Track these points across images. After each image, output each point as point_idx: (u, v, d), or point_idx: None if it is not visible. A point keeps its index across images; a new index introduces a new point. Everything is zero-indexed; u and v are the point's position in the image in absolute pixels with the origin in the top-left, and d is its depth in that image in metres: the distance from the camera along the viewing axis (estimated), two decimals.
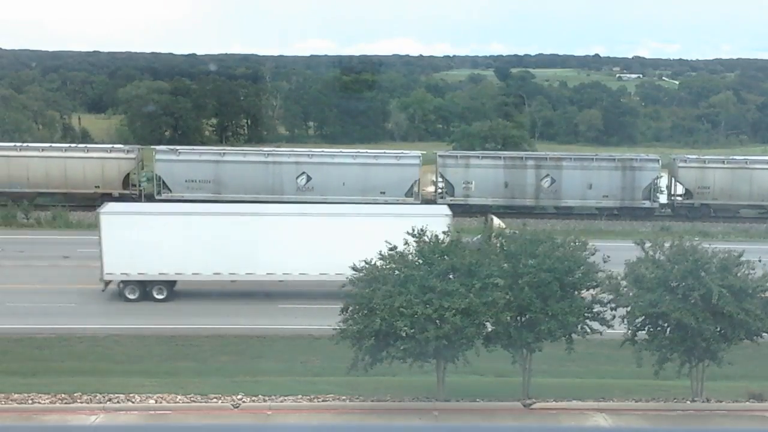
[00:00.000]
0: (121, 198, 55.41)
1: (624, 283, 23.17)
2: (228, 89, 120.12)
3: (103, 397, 23.34)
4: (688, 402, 23.89)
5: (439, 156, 58.50)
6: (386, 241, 23.19)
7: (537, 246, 22.97)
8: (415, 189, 55.82)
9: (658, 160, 58.22)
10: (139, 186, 57.96)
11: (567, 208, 57.35)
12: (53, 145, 63.28)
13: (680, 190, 59.00)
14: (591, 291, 23.39)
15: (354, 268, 23.02)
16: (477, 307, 21.68)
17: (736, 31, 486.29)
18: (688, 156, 61.17)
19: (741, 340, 22.94)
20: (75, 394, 23.48)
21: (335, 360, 24.60)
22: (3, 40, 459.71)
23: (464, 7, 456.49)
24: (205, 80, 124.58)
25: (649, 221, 54.84)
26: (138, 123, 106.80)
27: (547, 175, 56.64)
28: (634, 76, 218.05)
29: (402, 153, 59.08)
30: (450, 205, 43.32)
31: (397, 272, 22.53)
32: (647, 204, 56.85)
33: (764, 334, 23.07)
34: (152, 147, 61.52)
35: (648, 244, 23.80)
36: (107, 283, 35.50)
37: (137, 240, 34.82)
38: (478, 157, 58.56)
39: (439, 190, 57.76)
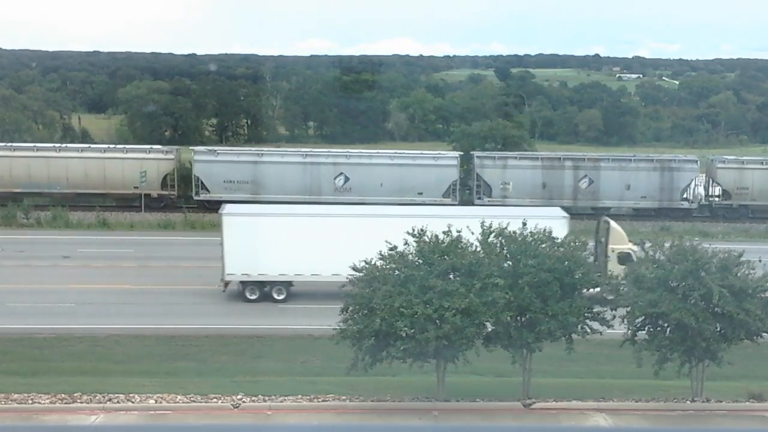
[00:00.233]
0: (159, 198, 55.76)
1: (624, 282, 23.18)
2: (228, 89, 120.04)
3: (103, 397, 23.32)
4: (688, 402, 23.88)
5: (477, 157, 57.93)
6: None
7: (537, 246, 22.97)
8: (453, 189, 55.66)
9: (696, 161, 57.94)
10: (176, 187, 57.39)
11: (605, 209, 55.96)
12: (92, 146, 63.56)
13: (718, 191, 58.33)
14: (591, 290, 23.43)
15: (354, 268, 23.00)
16: (477, 307, 21.67)
17: (736, 31, 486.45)
18: (726, 157, 60.76)
19: (741, 340, 22.95)
20: (75, 394, 23.46)
21: (335, 360, 24.57)
22: (3, 40, 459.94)
23: (464, 7, 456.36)
24: (205, 80, 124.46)
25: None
26: (138, 123, 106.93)
27: (585, 176, 56.44)
28: (634, 76, 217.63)
29: (440, 154, 59.18)
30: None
31: (397, 272, 22.51)
32: (685, 205, 56.58)
33: (764, 334, 23.09)
34: (190, 148, 61.71)
35: (648, 244, 23.83)
36: (227, 283, 35.81)
37: (259, 241, 35.05)
38: (516, 157, 58.27)
39: (476, 191, 57.15)
